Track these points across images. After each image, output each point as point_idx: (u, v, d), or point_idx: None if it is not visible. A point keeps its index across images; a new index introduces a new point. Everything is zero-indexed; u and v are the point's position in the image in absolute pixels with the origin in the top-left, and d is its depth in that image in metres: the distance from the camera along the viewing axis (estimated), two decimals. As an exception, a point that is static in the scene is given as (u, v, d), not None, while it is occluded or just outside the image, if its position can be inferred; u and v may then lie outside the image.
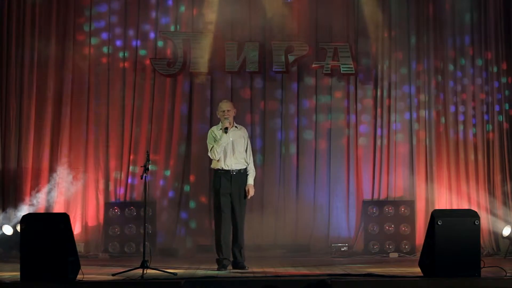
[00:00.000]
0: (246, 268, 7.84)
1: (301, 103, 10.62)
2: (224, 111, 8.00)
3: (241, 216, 7.95)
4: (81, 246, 9.70)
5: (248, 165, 8.02)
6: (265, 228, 10.27)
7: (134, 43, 10.47)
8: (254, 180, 8.10)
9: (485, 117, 10.53)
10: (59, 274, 6.46)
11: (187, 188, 10.41)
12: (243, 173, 7.98)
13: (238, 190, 7.92)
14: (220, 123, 8.04)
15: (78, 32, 10.39)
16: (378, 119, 10.57)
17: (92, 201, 10.30)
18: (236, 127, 8.09)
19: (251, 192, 8.01)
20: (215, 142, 7.93)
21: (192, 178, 10.42)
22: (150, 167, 7.56)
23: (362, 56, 10.64)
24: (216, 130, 8.03)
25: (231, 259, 7.90)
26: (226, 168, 7.91)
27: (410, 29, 10.63)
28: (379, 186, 10.43)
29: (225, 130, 7.89)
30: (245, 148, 8.03)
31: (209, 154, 8.01)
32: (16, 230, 9.32)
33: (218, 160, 7.93)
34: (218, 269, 7.75)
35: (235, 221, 7.91)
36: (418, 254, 7.41)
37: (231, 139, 7.94)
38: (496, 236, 10.19)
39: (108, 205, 10.19)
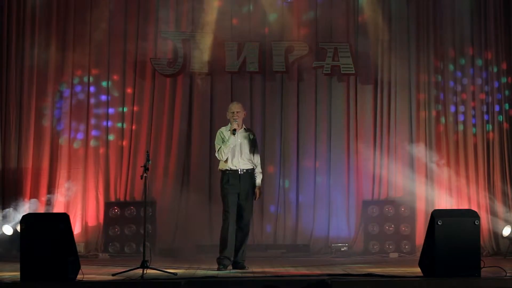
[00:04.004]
0: (246, 268, 7.85)
1: (301, 103, 10.61)
2: (233, 112, 8.00)
3: (248, 216, 7.98)
4: (81, 246, 9.71)
5: (256, 167, 8.05)
6: (265, 228, 10.29)
7: (134, 43, 10.46)
8: None
9: (485, 117, 10.54)
10: (59, 274, 6.46)
11: (187, 188, 10.40)
12: (250, 173, 8.00)
13: (246, 189, 7.94)
14: (229, 124, 8.05)
15: (78, 32, 10.37)
16: (378, 119, 10.56)
17: (92, 201, 10.29)
18: (244, 129, 8.10)
19: (259, 193, 8.08)
20: (223, 143, 7.95)
21: (192, 178, 10.41)
22: (150, 167, 7.56)
23: (362, 56, 10.64)
24: (225, 131, 8.04)
25: (233, 258, 7.90)
26: (234, 168, 7.93)
27: (410, 29, 10.63)
28: (379, 186, 10.43)
29: (233, 131, 7.91)
30: (251, 150, 8.03)
31: (216, 155, 8.03)
32: (16, 230, 9.32)
33: (225, 161, 7.95)
34: (218, 269, 7.74)
35: (242, 221, 7.93)
36: (418, 254, 7.40)
37: (239, 140, 7.95)
38: (496, 236, 10.19)
39: (108, 205, 10.19)
